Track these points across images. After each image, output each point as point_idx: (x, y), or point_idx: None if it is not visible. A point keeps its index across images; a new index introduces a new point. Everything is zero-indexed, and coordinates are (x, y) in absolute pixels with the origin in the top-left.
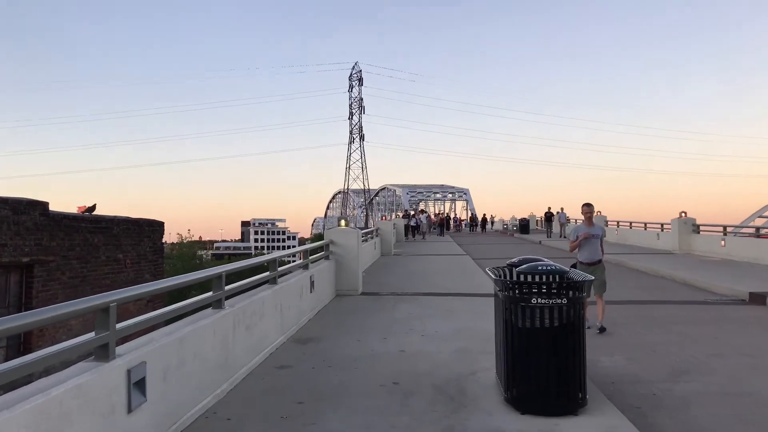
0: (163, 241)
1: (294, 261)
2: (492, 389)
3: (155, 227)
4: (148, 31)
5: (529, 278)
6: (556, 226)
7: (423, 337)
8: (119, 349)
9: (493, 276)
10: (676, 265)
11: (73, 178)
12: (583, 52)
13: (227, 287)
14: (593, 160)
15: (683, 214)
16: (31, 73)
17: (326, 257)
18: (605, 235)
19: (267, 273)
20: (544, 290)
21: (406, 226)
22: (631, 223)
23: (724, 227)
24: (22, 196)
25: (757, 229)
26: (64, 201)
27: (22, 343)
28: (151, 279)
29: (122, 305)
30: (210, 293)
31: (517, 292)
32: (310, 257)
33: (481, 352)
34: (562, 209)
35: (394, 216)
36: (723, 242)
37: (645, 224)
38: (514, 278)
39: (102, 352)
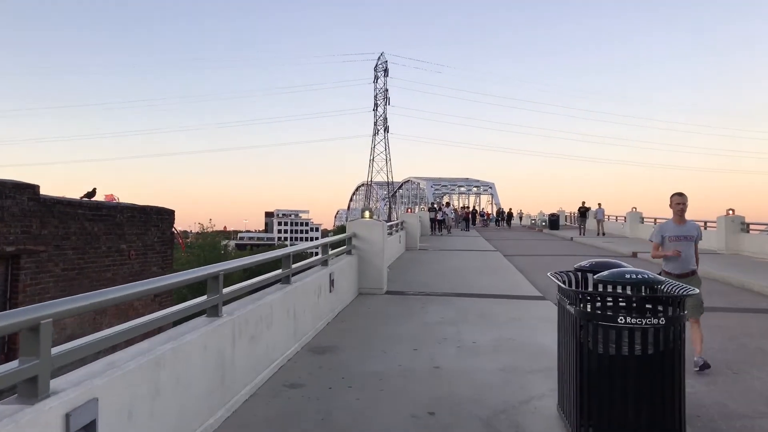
0: (187, 230)
1: (314, 255)
2: (556, 425)
3: (164, 215)
4: (170, 19)
5: (611, 288)
6: (591, 223)
7: (459, 349)
8: (57, 383)
9: (559, 282)
10: (729, 267)
11: (93, 167)
12: (616, 47)
13: (228, 289)
14: (621, 155)
15: (731, 212)
16: (48, 59)
17: (348, 252)
18: (701, 237)
19: (278, 271)
20: (635, 306)
21: (432, 220)
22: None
23: None
24: (9, 179)
25: None
26: (81, 191)
27: (6, 343)
28: (158, 272)
29: (89, 313)
30: (203, 298)
31: (598, 308)
32: (331, 252)
33: (530, 371)
34: (599, 205)
35: (418, 209)
36: None
37: None
38: (592, 288)
39: (29, 389)
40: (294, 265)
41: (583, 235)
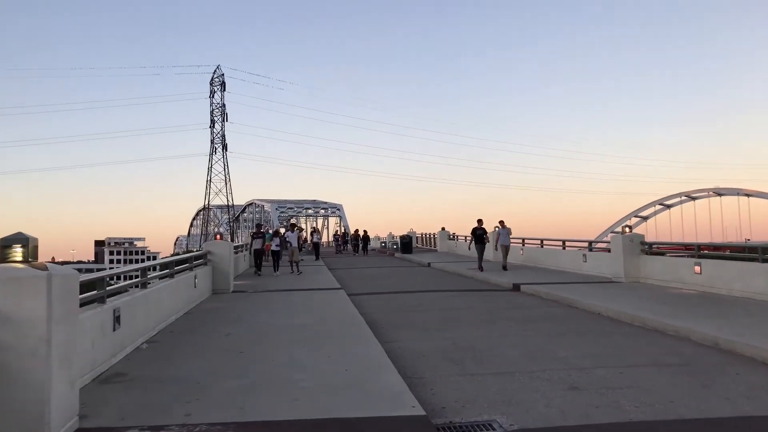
0: None
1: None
2: None
3: None
4: None
5: None
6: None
7: None
8: None
9: None
10: (664, 309)
11: None
12: (462, 68)
13: None
14: (469, 176)
15: (627, 230)
16: None
17: None
18: None
19: None
20: None
21: (258, 252)
22: (542, 240)
23: (697, 246)
24: None
25: (763, 249)
26: None
27: None
28: None
29: None
30: None
31: None
32: None
33: None
34: (502, 224)
35: (248, 234)
36: (698, 267)
37: (563, 242)
38: None
39: None
40: None
41: (482, 270)
